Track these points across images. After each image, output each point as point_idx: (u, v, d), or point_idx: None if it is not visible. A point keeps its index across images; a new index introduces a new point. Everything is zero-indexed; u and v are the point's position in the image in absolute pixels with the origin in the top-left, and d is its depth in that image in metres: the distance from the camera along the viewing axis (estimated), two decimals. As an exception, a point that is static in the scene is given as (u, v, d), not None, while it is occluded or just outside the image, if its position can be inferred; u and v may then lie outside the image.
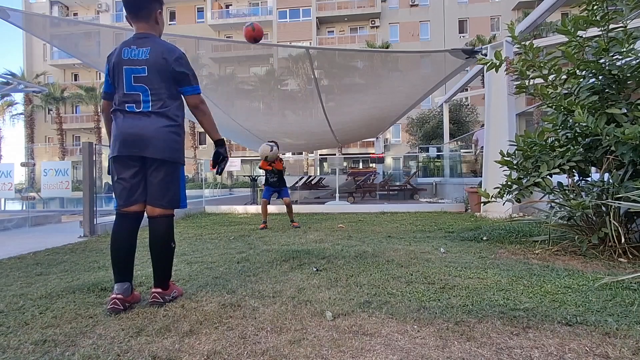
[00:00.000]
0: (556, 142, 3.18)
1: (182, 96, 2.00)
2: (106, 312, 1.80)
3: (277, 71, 8.68)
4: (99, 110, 23.42)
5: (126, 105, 1.90)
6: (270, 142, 5.26)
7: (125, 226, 1.95)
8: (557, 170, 2.97)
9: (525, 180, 3.15)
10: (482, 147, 9.57)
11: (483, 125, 10.29)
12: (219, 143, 2.07)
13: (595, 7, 2.92)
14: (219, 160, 2.07)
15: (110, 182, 2.29)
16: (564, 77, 3.20)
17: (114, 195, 1.97)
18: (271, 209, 7.32)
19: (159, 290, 1.93)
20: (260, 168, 5.43)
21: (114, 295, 1.84)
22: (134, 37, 1.96)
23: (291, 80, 8.04)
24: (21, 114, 30.63)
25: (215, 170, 2.08)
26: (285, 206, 5.44)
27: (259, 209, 7.35)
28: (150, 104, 1.90)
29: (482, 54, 5.52)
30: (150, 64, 1.89)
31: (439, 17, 30.12)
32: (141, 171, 1.92)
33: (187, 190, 2.13)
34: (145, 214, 1.98)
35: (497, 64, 3.39)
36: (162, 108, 1.91)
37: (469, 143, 10.49)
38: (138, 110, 1.88)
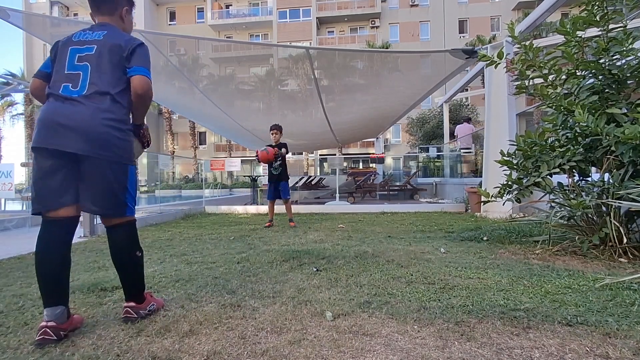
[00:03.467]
0: (556, 142, 3.18)
1: (130, 77, 1.67)
2: (35, 345, 1.46)
3: (277, 71, 8.68)
4: None
5: (61, 85, 1.60)
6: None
7: (53, 235, 1.58)
8: (557, 170, 2.97)
9: (525, 180, 3.15)
10: (462, 142, 9.80)
11: (463, 121, 10.52)
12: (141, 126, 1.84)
13: (594, 7, 2.92)
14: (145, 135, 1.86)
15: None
16: (564, 77, 3.20)
17: (32, 196, 1.60)
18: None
19: (132, 304, 1.70)
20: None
21: (43, 323, 1.49)
22: (93, 25, 1.79)
23: (291, 80, 8.04)
24: (21, 114, 30.58)
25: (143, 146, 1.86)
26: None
27: (259, 209, 7.39)
28: (88, 85, 1.60)
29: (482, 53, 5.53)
30: (101, 44, 1.66)
31: (439, 17, 30.13)
32: (70, 167, 1.58)
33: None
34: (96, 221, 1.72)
35: (498, 62, 3.40)
36: (102, 94, 1.61)
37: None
38: (73, 93, 1.58)
